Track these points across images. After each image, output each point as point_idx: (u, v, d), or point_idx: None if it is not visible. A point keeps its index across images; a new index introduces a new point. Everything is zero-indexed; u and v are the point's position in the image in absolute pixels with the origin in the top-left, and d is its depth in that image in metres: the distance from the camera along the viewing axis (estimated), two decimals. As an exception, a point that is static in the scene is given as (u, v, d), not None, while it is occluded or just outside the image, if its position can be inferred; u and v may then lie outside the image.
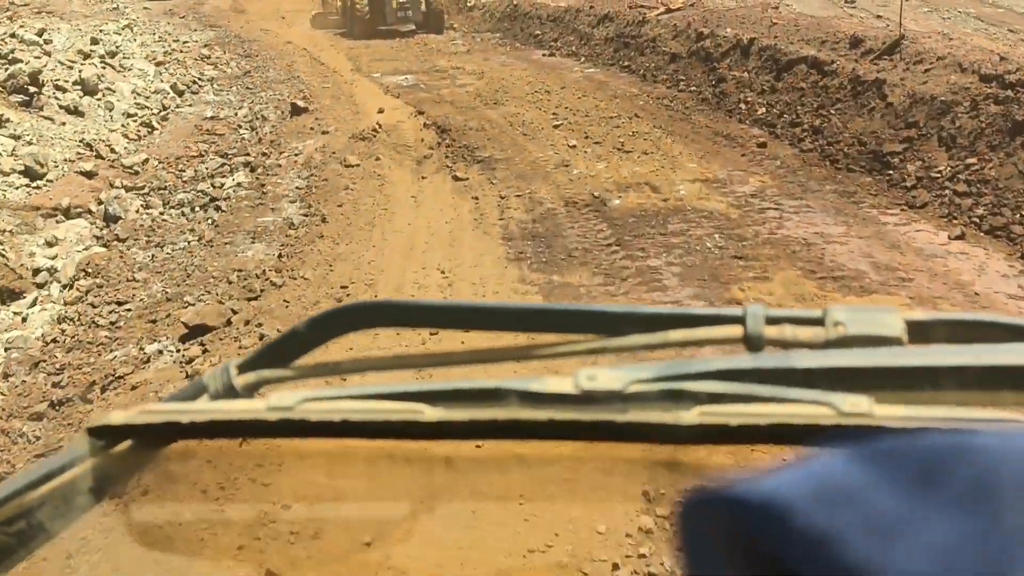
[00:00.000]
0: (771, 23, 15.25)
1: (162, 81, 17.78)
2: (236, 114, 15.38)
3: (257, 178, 11.46)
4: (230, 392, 0.88)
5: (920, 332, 0.79)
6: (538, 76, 17.26)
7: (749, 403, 0.68)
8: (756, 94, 13.29)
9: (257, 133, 14.15)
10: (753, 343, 0.80)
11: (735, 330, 0.81)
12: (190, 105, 16.13)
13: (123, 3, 35.69)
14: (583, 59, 18.69)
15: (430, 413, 0.73)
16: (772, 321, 0.81)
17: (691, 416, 0.68)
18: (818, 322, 0.79)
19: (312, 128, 13.96)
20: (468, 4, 26.19)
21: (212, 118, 15.11)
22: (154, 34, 25.64)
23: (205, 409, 0.81)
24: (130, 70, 18.26)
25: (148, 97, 16.05)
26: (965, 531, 0.38)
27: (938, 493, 0.40)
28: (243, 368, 0.90)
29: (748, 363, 0.74)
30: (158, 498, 1.09)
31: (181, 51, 23.19)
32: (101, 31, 24.92)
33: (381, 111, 15.05)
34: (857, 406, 0.66)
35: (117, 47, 22.41)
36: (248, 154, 12.90)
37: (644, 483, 3.68)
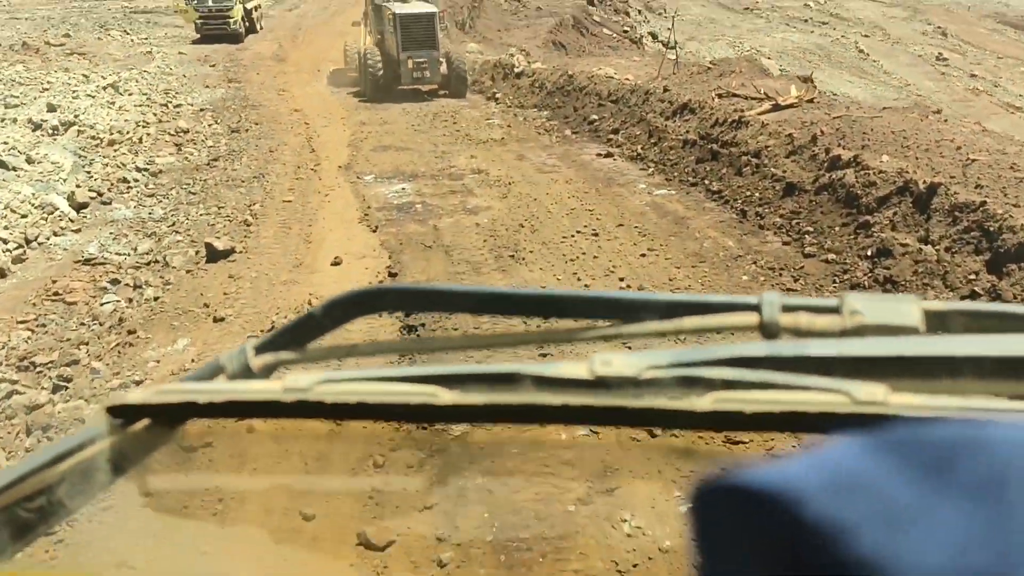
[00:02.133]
0: (964, 157, 8.73)
1: (77, 183, 11.94)
2: (131, 253, 9.47)
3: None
4: (247, 373, 0.83)
5: (938, 322, 0.73)
6: (587, 197, 11.04)
7: (763, 390, 0.64)
8: (960, 297, 6.93)
9: (134, 302, 8.24)
10: (769, 330, 0.74)
11: (751, 318, 0.75)
12: (78, 231, 10.30)
13: (158, 47, 30.57)
14: (652, 168, 12.34)
15: (446, 396, 0.69)
16: (788, 309, 0.74)
17: (705, 402, 0.65)
18: (835, 311, 0.74)
19: (207, 305, 7.95)
20: (516, 71, 20.07)
21: (89, 261, 9.24)
22: (146, 95, 20.04)
23: (222, 389, 0.78)
24: (38, 163, 12.48)
25: (24, 216, 10.31)
26: (977, 523, 0.35)
27: (951, 484, 0.37)
28: (260, 349, 0.85)
29: (763, 350, 0.69)
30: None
31: (160, 120, 17.50)
32: (74, 91, 19.44)
33: (337, 263, 8.97)
34: (872, 395, 0.62)
35: (76, 116, 16.82)
36: (75, 361, 6.99)
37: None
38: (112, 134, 15.74)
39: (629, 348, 0.88)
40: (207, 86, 22.61)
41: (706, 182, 11.11)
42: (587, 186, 11.56)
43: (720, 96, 13.24)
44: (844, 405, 0.62)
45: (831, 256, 8.23)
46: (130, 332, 7.48)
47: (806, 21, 51.41)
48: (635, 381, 0.66)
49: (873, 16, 54.69)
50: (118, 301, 8.20)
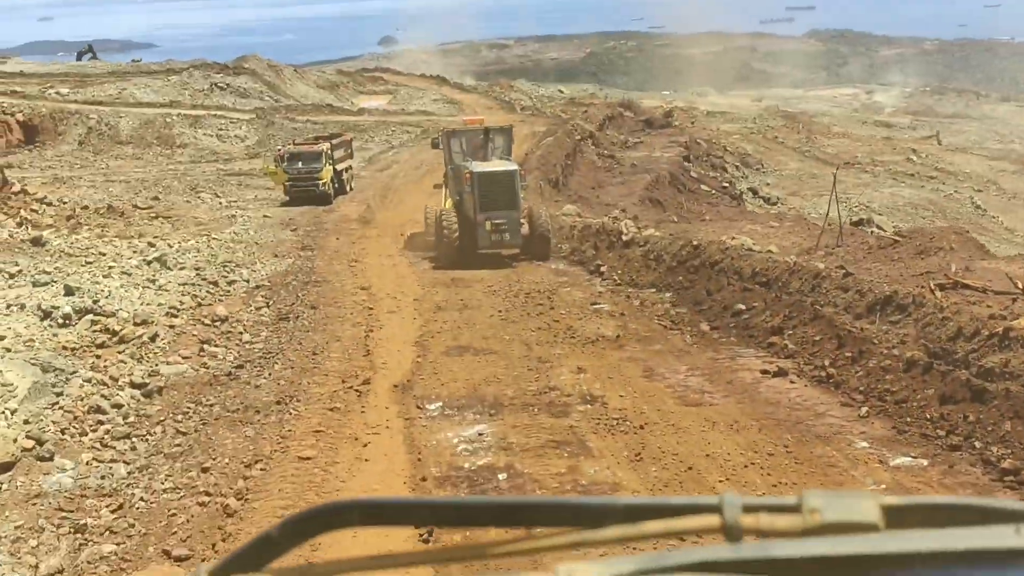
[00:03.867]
0: None
1: (27, 417, 8.00)
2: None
3: None
4: None
5: (896, 517, 0.71)
6: (775, 467, 6.33)
7: None
8: None
9: None
10: (731, 533, 0.70)
11: (712, 519, 0.71)
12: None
13: (243, 210, 27.82)
14: (863, 403, 7.60)
15: None
16: (749, 509, 0.71)
17: None
18: (794, 509, 0.71)
19: None
20: (624, 238, 15.90)
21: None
22: (199, 269, 16.49)
23: None
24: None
25: None
26: None
27: None
28: (214, 574, 0.76)
29: (728, 554, 0.66)
30: None
31: (200, 304, 13.77)
32: (111, 267, 16.06)
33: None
34: None
35: (96, 301, 13.24)
36: None
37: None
38: (129, 325, 11.99)
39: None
40: (276, 255, 19.13)
41: (976, 444, 6.34)
42: (767, 438, 6.92)
43: (942, 288, 8.60)
44: None
45: None
46: None
47: (912, 176, 46.82)
48: None
49: (981, 170, 49.84)
50: None
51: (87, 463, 7.27)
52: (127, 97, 43.89)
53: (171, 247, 19.18)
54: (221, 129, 40.80)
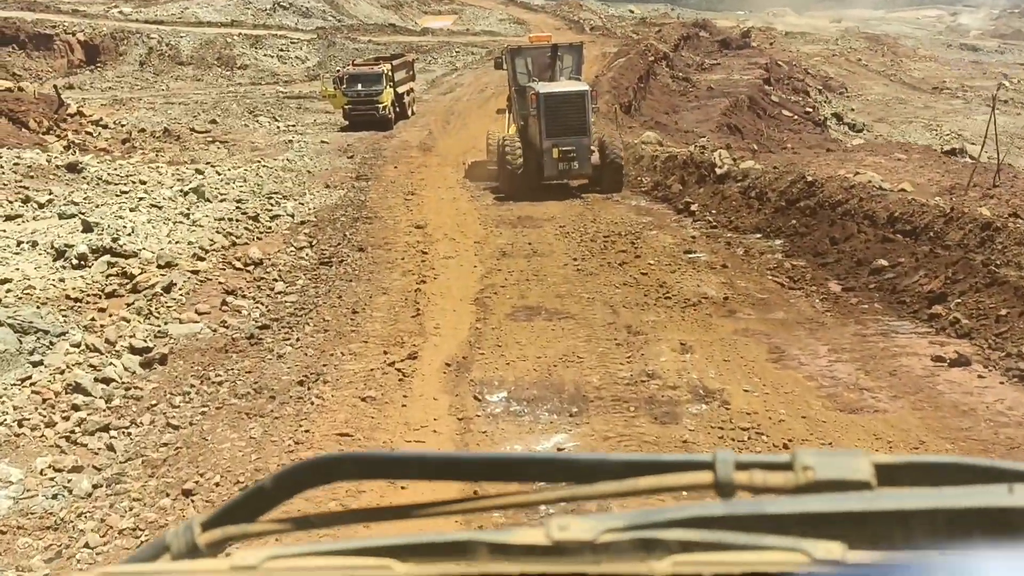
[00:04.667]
0: None
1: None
2: None
3: None
4: (193, 551, 0.72)
5: (889, 475, 0.69)
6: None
7: (722, 551, 0.60)
8: None
9: None
10: (724, 489, 0.69)
11: (705, 476, 0.69)
12: None
13: (301, 135, 25.81)
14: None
15: (399, 568, 0.63)
16: (742, 466, 0.69)
17: (664, 566, 0.60)
18: (787, 467, 0.68)
19: None
20: (717, 171, 13.32)
21: None
22: (240, 202, 14.48)
23: (165, 570, 0.70)
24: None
25: None
26: None
27: None
28: (207, 525, 0.73)
29: (720, 510, 0.65)
30: None
31: (234, 242, 11.76)
32: (141, 198, 14.10)
33: None
34: (830, 552, 0.59)
35: (116, 239, 11.32)
36: None
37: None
38: (151, 268, 10.10)
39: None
40: (328, 185, 17.04)
41: None
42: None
43: None
44: (803, 564, 0.59)
45: None
46: None
47: (1006, 102, 42.33)
48: (592, 546, 0.61)
49: (1081, 97, 45.12)
50: None
51: (41, 472, 5.35)
52: (189, 16, 41.90)
53: (218, 175, 17.29)
54: (282, 50, 38.58)
